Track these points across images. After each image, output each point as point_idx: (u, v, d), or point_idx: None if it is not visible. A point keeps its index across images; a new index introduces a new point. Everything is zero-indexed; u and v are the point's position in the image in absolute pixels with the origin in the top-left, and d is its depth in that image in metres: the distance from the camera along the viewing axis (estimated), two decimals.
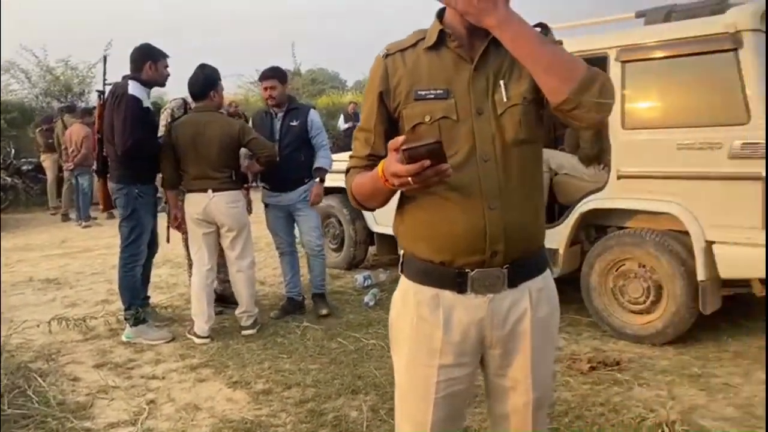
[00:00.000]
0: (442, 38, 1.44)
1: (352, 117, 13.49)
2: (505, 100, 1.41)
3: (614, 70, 3.80)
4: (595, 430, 2.74)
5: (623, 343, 3.78)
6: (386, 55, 1.50)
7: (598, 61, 3.85)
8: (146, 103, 4.00)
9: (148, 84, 4.10)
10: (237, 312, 4.22)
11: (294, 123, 4.41)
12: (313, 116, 4.51)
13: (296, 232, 4.67)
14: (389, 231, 4.88)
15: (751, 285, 3.58)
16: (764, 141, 3.24)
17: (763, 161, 3.23)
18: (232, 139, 3.98)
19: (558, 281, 4.17)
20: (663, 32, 3.71)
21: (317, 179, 4.48)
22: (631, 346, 3.74)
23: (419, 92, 1.45)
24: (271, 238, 4.70)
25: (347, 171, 1.57)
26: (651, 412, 2.87)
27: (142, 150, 3.95)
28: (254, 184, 4.65)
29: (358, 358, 3.66)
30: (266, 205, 4.54)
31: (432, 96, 1.43)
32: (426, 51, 1.46)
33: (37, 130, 10.70)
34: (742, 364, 3.40)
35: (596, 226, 4.17)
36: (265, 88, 4.43)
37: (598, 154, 4.29)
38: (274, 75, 4.42)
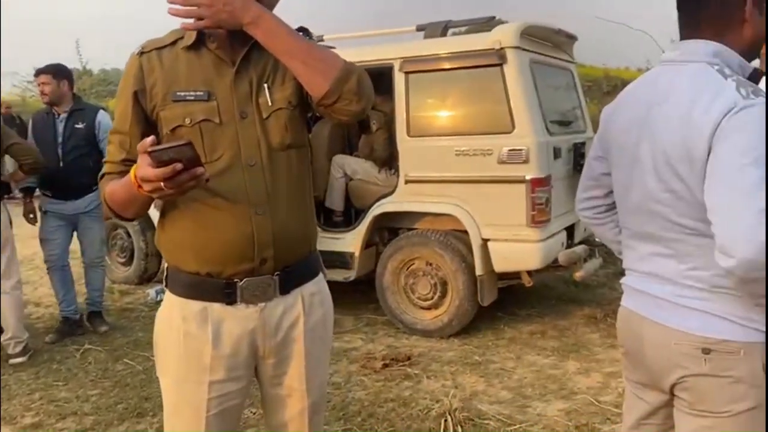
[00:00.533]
0: (201, 38, 1.38)
1: None
2: (270, 104, 1.39)
3: (399, 80, 4.00)
4: (386, 426, 2.84)
5: (415, 338, 3.99)
6: (141, 53, 1.40)
7: (385, 71, 4.04)
8: None
9: None
10: (2, 339, 3.72)
11: (79, 125, 4.06)
12: (102, 118, 4.16)
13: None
14: None
15: (521, 277, 3.98)
16: (526, 147, 3.63)
17: (525, 165, 3.62)
18: None
19: (355, 282, 4.32)
20: (440, 46, 3.99)
21: None
22: (422, 340, 3.95)
23: (178, 93, 1.37)
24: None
25: (101, 178, 1.44)
26: (436, 402, 3.04)
27: None
28: (18, 193, 4.15)
29: (147, 379, 3.41)
30: (44, 213, 4.10)
31: (192, 98, 1.37)
32: (185, 50, 1.39)
33: None
34: (515, 349, 3.76)
35: (389, 229, 4.35)
36: (38, 85, 4.09)
37: (389, 158, 4.49)
38: (47, 70, 4.05)
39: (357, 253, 4.20)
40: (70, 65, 4.44)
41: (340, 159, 4.70)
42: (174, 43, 1.40)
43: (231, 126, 1.37)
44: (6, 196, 3.81)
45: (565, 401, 3.07)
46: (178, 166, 1.13)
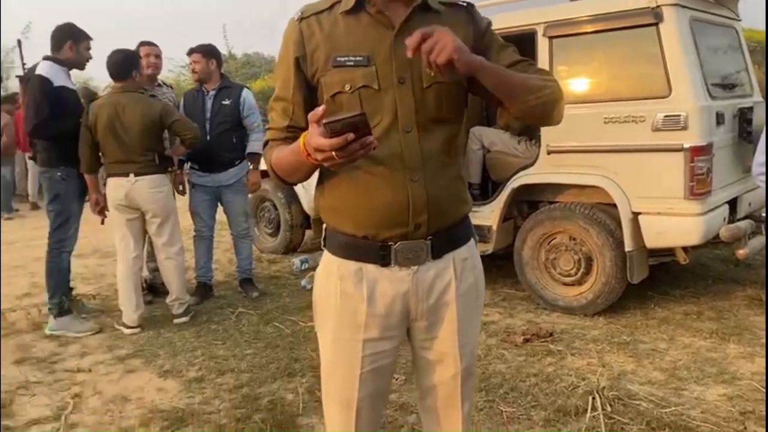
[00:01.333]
0: (360, 2, 1.37)
1: None
2: (431, 74, 1.36)
3: (542, 45, 3.84)
4: (529, 400, 2.78)
5: (556, 315, 3.86)
6: (301, 18, 1.40)
7: (527, 37, 3.89)
8: (59, 83, 3.78)
9: (65, 64, 3.89)
10: (168, 300, 4.08)
11: (226, 102, 4.31)
12: (246, 95, 4.39)
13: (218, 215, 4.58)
14: None
15: (675, 253, 3.71)
16: (684, 113, 3.35)
17: (684, 132, 3.34)
18: (153, 122, 3.82)
19: (493, 257, 4.25)
20: (588, 7, 3.76)
21: (251, 165, 4.38)
22: (564, 317, 3.82)
23: (338, 58, 1.36)
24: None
25: (265, 144, 1.49)
26: (582, 380, 2.93)
27: (49, 131, 3.76)
28: (179, 169, 4.49)
29: (295, 341, 3.60)
30: (192, 186, 4.43)
31: (351, 63, 1.36)
32: (344, 15, 1.38)
33: None
34: (668, 330, 3.52)
35: (528, 202, 4.23)
36: (191, 63, 4.38)
37: (528, 128, 4.34)
38: (197, 50, 4.35)
39: (495, 227, 4.12)
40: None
41: (477, 130, 4.62)
42: (331, 7, 1.40)
43: (389, 92, 1.36)
44: (169, 169, 4.14)
45: (727, 386, 2.83)
46: (350, 136, 1.13)
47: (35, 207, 9.30)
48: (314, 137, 1.17)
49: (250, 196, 4.77)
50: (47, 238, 3.94)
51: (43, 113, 3.69)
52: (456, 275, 1.46)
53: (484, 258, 4.13)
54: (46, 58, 3.86)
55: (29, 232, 7.16)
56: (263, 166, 4.45)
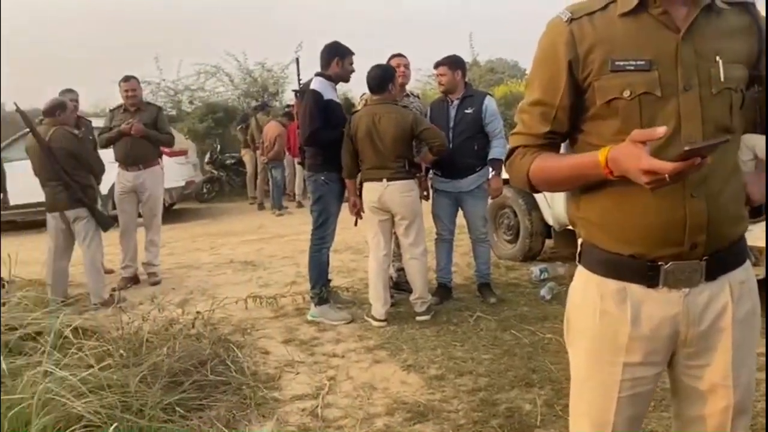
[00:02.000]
0: (643, 2, 1.28)
1: None
2: (722, 79, 1.26)
3: None
4: None
5: None
6: (571, 20, 1.32)
7: None
8: (328, 96, 4.24)
9: (332, 79, 4.36)
10: (411, 298, 4.32)
11: (468, 110, 4.43)
12: (489, 103, 4.48)
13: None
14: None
15: None
16: None
17: None
18: (405, 131, 4.08)
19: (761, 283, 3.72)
20: None
21: (493, 172, 4.44)
22: None
23: (617, 62, 1.28)
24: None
25: (512, 151, 1.45)
26: None
27: (320, 139, 4.23)
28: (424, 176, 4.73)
29: (533, 352, 3.56)
30: (435, 191, 4.63)
31: (632, 67, 1.28)
32: (621, 16, 1.30)
33: (238, 128, 11.84)
34: None
35: None
36: (437, 76, 4.57)
37: None
38: (444, 62, 4.50)
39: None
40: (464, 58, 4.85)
41: (750, 138, 4.06)
42: (605, 7, 1.32)
43: (672, 99, 1.27)
44: (417, 175, 4.39)
45: None
46: (698, 160, 1.08)
47: (300, 205, 10.51)
48: (644, 158, 1.12)
49: (489, 201, 4.84)
50: (310, 234, 4.44)
51: (316, 124, 4.18)
52: (733, 299, 1.33)
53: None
54: (317, 74, 4.36)
55: (296, 227, 8.11)
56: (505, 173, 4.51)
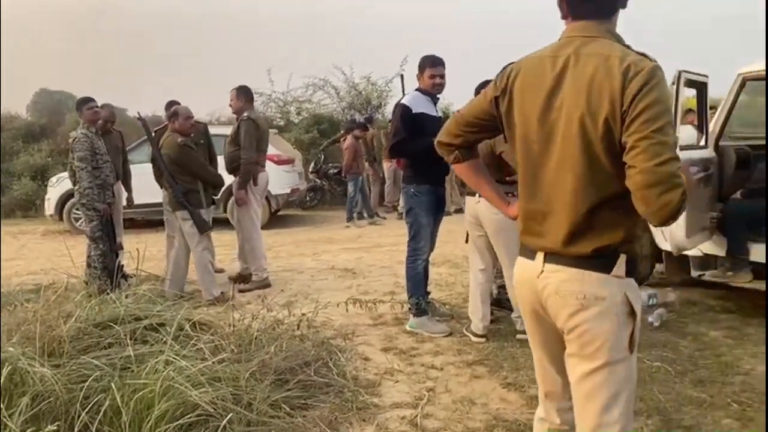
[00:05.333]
0: None
1: None
2: None
3: None
4: None
5: None
6: None
7: None
8: (419, 110, 4.24)
9: (424, 92, 4.39)
10: (513, 315, 4.27)
11: None
12: None
13: None
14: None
15: None
16: None
17: None
18: (485, 148, 3.97)
19: None
20: None
21: None
22: None
23: None
24: None
25: None
26: None
27: (403, 151, 4.32)
28: None
29: (640, 380, 3.36)
30: None
31: None
32: None
33: (342, 139, 12.17)
34: None
35: None
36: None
37: None
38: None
39: None
40: None
41: None
42: None
43: None
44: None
45: None
46: None
47: (401, 217, 10.64)
48: None
49: None
50: (406, 245, 4.49)
51: (399, 136, 4.26)
52: None
53: None
54: (416, 89, 4.43)
55: (395, 238, 8.22)
56: None
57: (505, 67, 1.83)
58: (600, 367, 1.67)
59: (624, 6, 1.68)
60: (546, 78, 1.66)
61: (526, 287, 1.78)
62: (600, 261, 1.63)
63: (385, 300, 5.04)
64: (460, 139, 1.91)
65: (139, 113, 5.56)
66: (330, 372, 3.56)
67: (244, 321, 3.95)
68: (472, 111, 1.89)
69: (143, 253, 4.63)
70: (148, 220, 9.81)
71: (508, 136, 1.80)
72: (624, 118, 1.51)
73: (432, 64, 4.36)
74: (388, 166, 11.30)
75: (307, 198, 12.61)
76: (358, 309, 4.83)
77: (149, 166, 6.08)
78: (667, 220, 1.48)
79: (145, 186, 6.67)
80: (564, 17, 1.71)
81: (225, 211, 8.54)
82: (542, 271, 1.71)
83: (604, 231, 1.62)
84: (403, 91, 4.85)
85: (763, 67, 4.44)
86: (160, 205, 6.11)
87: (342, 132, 12.50)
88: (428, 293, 4.77)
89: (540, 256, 1.72)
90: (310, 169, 13.01)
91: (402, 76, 5.12)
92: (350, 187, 10.44)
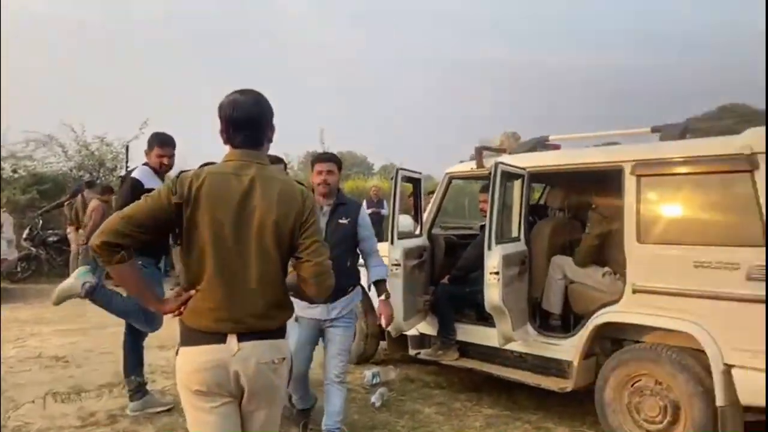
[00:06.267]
0: None
1: (375, 203, 13.42)
2: None
3: (629, 183, 3.82)
4: None
5: None
6: None
7: (612, 174, 3.89)
8: (150, 185, 3.90)
9: (153, 168, 4.19)
10: None
11: (343, 221, 3.66)
12: (364, 213, 3.81)
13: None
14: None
15: None
16: None
17: None
18: None
19: (572, 394, 4.06)
20: (679, 149, 3.74)
21: (381, 296, 3.77)
22: None
23: None
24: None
25: None
26: None
27: None
28: None
29: None
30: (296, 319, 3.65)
31: None
32: None
33: (66, 203, 11.00)
34: None
35: (612, 339, 4.06)
36: (319, 172, 3.64)
37: (606, 263, 4.29)
38: (332, 159, 3.72)
39: (576, 363, 3.97)
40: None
41: (559, 260, 4.56)
42: None
43: None
44: None
45: None
46: None
47: None
48: None
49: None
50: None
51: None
52: None
53: (566, 395, 3.99)
54: (144, 163, 4.22)
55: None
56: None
57: (178, 175, 2.04)
58: None
59: (271, 141, 2.17)
60: (234, 191, 2.00)
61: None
62: None
63: (101, 394, 4.52)
64: (129, 239, 1.97)
65: None
66: None
67: None
68: (146, 213, 1.98)
69: None
70: None
71: (187, 236, 1.99)
72: (302, 225, 2.04)
73: (161, 144, 4.19)
74: None
75: (18, 269, 11.00)
76: (62, 406, 4.23)
77: None
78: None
79: None
80: (226, 143, 2.10)
81: None
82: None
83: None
84: (127, 163, 4.57)
85: (465, 168, 5.12)
86: None
87: (67, 195, 11.31)
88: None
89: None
90: (24, 236, 11.43)
91: (127, 147, 4.83)
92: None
